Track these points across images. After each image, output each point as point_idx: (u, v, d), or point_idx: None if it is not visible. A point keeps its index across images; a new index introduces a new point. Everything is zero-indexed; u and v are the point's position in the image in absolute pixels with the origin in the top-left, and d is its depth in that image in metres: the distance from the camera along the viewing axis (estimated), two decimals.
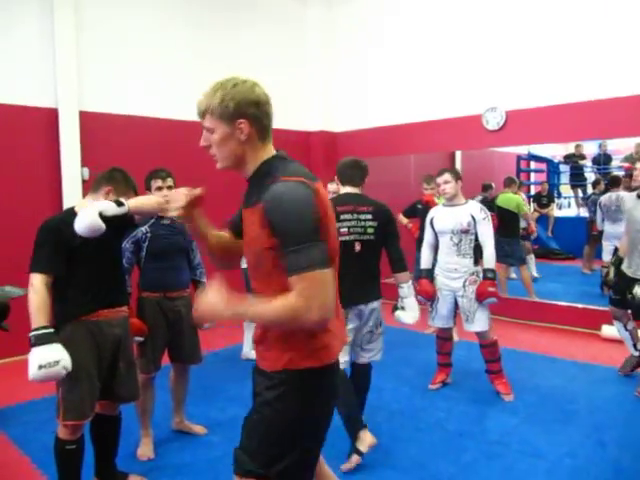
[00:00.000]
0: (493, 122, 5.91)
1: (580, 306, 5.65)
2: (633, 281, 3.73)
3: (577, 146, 8.48)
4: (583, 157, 8.70)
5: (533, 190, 9.14)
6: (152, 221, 3.03)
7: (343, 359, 2.70)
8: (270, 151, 1.59)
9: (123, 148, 5.21)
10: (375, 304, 3.00)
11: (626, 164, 8.32)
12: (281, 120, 6.79)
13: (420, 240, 4.42)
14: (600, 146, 8.43)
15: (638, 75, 4.98)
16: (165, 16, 5.87)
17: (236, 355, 4.76)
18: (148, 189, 3.03)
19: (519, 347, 4.89)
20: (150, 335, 2.95)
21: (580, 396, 3.77)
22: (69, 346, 2.20)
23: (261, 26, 6.78)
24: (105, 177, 2.50)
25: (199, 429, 3.33)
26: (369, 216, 3.00)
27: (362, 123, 7.20)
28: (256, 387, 1.62)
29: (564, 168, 9.05)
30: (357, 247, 2.94)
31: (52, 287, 2.28)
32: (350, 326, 2.88)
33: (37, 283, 2.24)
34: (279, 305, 1.41)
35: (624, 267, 3.89)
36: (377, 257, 3.05)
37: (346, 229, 2.93)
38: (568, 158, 8.74)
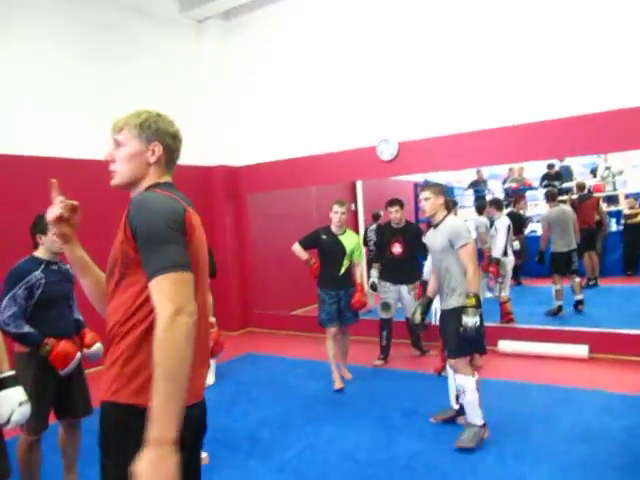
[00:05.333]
0: (387, 153, 6.16)
1: None
2: (452, 313, 3.41)
3: (477, 172, 9.09)
4: (485, 182, 9.35)
5: None
6: (42, 266, 2.83)
7: None
8: (167, 180, 1.62)
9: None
10: None
11: (514, 184, 9.04)
12: (181, 155, 6.70)
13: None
14: (477, 172, 9.12)
15: (520, 105, 5.41)
16: (52, 49, 5.62)
17: None
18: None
19: (417, 369, 5.03)
20: (36, 392, 2.72)
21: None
22: None
23: (153, 59, 6.66)
24: None
25: None
26: None
27: (263, 157, 7.25)
28: None
29: (460, 192, 9.60)
30: None
31: None
32: None
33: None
34: (161, 347, 1.26)
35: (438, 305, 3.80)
36: None
37: None
38: (474, 184, 9.33)
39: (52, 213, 1.60)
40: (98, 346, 3.02)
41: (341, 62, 6.53)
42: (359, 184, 8.39)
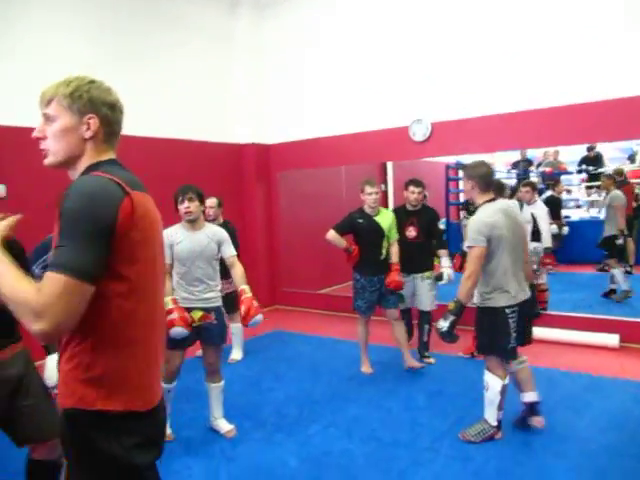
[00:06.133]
0: (419, 133, 6.08)
1: None
2: (478, 309, 3.32)
3: (522, 151, 8.83)
4: (530, 162, 9.06)
5: (462, 197, 9.46)
6: None
7: None
8: (110, 157, 1.45)
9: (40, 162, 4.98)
10: None
11: (548, 168, 8.81)
12: (212, 133, 6.80)
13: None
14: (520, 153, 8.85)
15: (555, 87, 5.26)
16: (87, 27, 5.68)
17: None
18: None
19: (456, 352, 5.02)
20: None
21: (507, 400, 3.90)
22: None
23: (189, 39, 6.67)
24: None
25: None
26: None
27: (294, 135, 7.23)
28: None
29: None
30: None
31: None
32: None
33: None
34: (22, 285, 1.20)
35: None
36: None
37: None
38: (516, 164, 9.08)
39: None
40: None
41: (374, 40, 6.43)
42: (390, 165, 8.31)
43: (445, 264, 4.82)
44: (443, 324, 3.21)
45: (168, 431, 3.44)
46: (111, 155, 1.45)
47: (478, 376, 3.40)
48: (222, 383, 3.55)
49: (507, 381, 3.23)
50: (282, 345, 5.70)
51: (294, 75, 7.20)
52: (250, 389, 4.33)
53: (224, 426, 3.53)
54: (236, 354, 5.19)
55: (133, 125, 5.99)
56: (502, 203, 3.33)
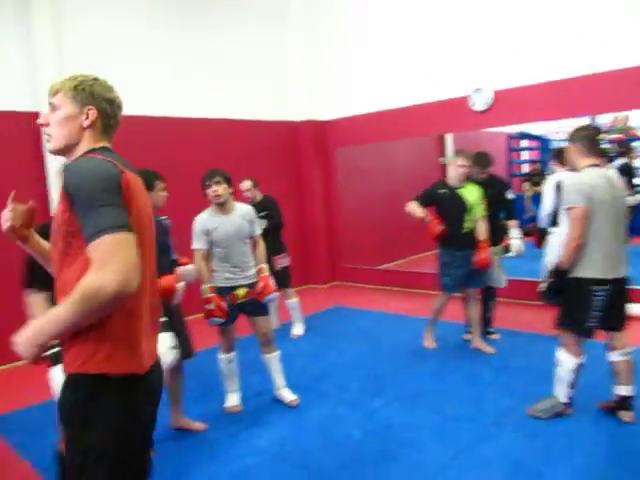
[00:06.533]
0: (480, 103, 5.89)
1: None
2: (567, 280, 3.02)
3: (591, 118, 8.35)
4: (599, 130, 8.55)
5: (525, 169, 9.12)
6: None
7: None
8: (104, 145, 1.57)
9: (120, 146, 5.19)
10: None
11: (618, 135, 8.32)
12: (267, 112, 6.84)
13: None
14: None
15: (624, 49, 4.95)
16: (142, 10, 5.81)
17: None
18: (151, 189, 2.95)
19: (521, 328, 4.92)
20: None
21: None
22: None
23: (243, 18, 6.70)
24: None
25: (199, 426, 3.35)
26: None
27: (349, 110, 7.17)
28: None
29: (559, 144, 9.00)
30: None
31: None
32: None
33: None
34: (74, 293, 1.29)
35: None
36: None
37: None
38: None
39: (4, 226, 1.63)
40: (190, 267, 3.25)
41: (430, 7, 6.23)
42: (449, 137, 8.11)
43: (514, 235, 4.69)
44: (542, 285, 3.19)
45: (236, 402, 3.61)
46: (106, 144, 1.57)
47: (545, 352, 3.31)
48: (278, 352, 3.66)
49: (583, 359, 3.05)
50: (343, 320, 5.75)
51: (349, 49, 7.10)
52: (313, 363, 4.41)
53: (287, 395, 3.65)
54: (298, 329, 5.27)
55: (191, 107, 6.19)
56: (605, 171, 3.05)
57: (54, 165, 5.01)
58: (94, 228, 1.31)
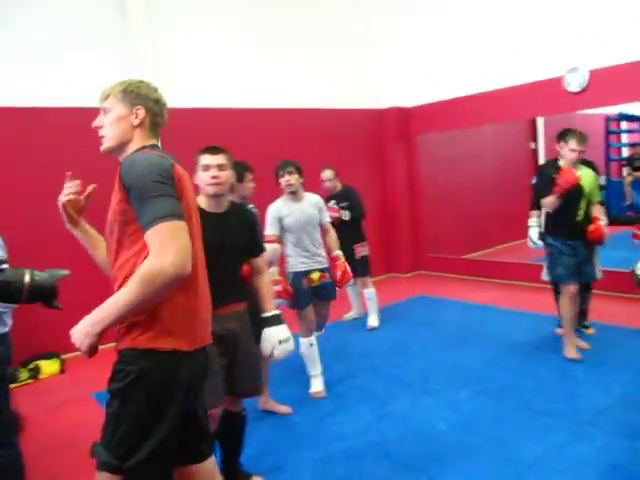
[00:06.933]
0: (575, 83, 5.55)
1: None
2: None
3: None
4: None
5: (625, 152, 8.51)
6: None
7: None
8: (154, 143, 1.69)
9: (198, 139, 5.40)
10: None
11: None
12: (351, 100, 6.81)
13: None
14: None
15: None
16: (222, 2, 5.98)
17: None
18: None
19: (616, 322, 4.64)
20: None
21: None
22: None
23: (325, 5, 6.72)
24: None
25: (284, 409, 3.45)
26: None
27: (435, 96, 6.99)
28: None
29: None
30: None
31: None
32: None
33: None
34: (134, 277, 1.41)
35: None
36: None
37: None
38: None
39: (60, 200, 1.73)
40: (273, 245, 3.36)
41: None
42: (540, 120, 7.72)
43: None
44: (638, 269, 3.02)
45: (320, 387, 3.68)
46: (154, 142, 1.70)
47: None
48: (323, 331, 4.04)
49: None
50: (426, 310, 5.68)
51: (434, 31, 6.91)
52: (396, 353, 4.39)
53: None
54: (372, 320, 5.16)
55: (277, 98, 6.30)
56: None
57: None
58: (151, 216, 1.42)
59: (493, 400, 3.39)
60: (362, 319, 5.25)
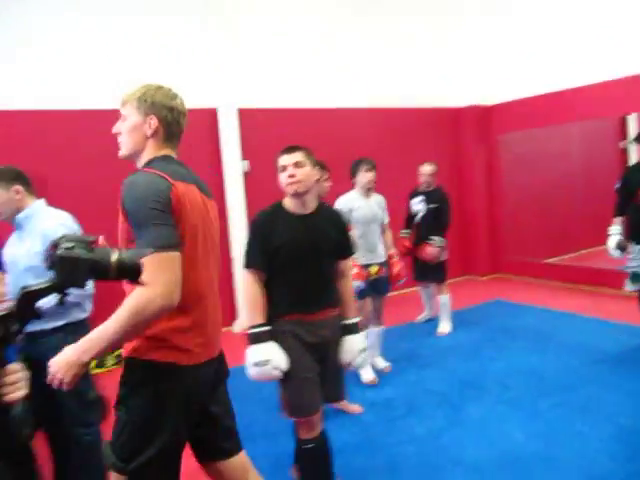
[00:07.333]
0: None
1: None
2: None
3: None
4: None
5: None
6: None
7: None
8: (167, 153, 1.68)
9: (278, 139, 5.53)
10: None
11: None
12: (429, 98, 6.67)
13: None
14: None
15: None
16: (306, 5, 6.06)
17: (388, 335, 4.80)
18: None
19: None
20: None
21: None
22: (282, 344, 2.20)
23: (405, 3, 6.66)
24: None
25: (355, 408, 3.46)
26: None
27: (517, 93, 6.74)
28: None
29: None
30: None
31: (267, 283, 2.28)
32: None
33: (248, 279, 2.27)
34: (123, 307, 1.43)
35: None
36: None
37: None
38: None
39: None
40: None
41: None
42: (632, 118, 7.25)
43: None
44: None
45: (372, 376, 3.84)
46: (168, 152, 1.68)
47: None
48: (383, 327, 4.04)
49: None
50: (504, 315, 5.49)
51: (516, 28, 6.66)
52: (470, 358, 4.28)
53: (380, 363, 4.04)
54: (444, 327, 5.03)
55: (354, 98, 6.32)
56: None
57: (229, 158, 5.50)
58: (145, 246, 1.45)
59: (575, 412, 3.23)
60: (435, 321, 5.16)
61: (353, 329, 2.38)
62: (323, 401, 2.35)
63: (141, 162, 1.67)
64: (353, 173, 3.80)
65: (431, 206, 4.83)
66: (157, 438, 1.58)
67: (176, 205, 1.53)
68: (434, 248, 4.77)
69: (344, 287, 2.43)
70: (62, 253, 1.18)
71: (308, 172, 2.24)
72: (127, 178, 1.57)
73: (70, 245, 1.19)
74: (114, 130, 1.72)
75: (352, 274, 3.30)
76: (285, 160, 2.25)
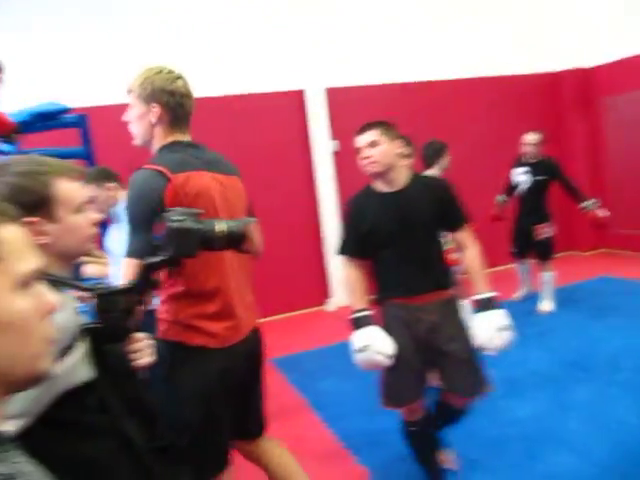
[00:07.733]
0: None
1: None
2: None
3: None
4: None
5: None
6: None
7: None
8: (175, 138, 1.66)
9: (369, 117, 5.46)
10: None
11: None
12: (520, 65, 6.31)
13: None
14: None
15: None
16: None
17: None
18: None
19: None
20: None
21: None
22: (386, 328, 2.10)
23: None
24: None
25: None
26: None
27: (625, 51, 6.16)
28: None
29: None
30: None
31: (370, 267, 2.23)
32: None
33: (344, 265, 2.24)
34: None
35: None
36: None
37: None
38: None
39: None
40: None
41: None
42: None
43: None
44: None
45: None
46: (177, 137, 1.67)
47: None
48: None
49: None
50: (611, 292, 5.13)
51: None
52: (577, 338, 4.05)
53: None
54: (546, 305, 4.78)
55: (443, 69, 6.11)
56: None
57: (318, 139, 5.51)
58: (127, 246, 1.55)
59: None
60: (534, 299, 4.91)
61: (486, 305, 2.13)
62: (451, 391, 2.22)
63: (154, 150, 1.69)
64: (438, 155, 3.49)
65: (538, 178, 4.59)
66: (195, 414, 1.62)
67: (173, 198, 1.54)
68: (548, 227, 4.68)
69: (467, 259, 2.21)
70: (176, 225, 1.24)
71: (385, 150, 2.07)
72: (132, 175, 1.62)
73: (182, 218, 1.26)
74: (124, 118, 1.72)
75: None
76: (358, 142, 2.13)
